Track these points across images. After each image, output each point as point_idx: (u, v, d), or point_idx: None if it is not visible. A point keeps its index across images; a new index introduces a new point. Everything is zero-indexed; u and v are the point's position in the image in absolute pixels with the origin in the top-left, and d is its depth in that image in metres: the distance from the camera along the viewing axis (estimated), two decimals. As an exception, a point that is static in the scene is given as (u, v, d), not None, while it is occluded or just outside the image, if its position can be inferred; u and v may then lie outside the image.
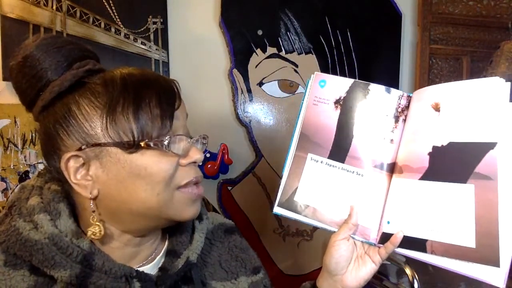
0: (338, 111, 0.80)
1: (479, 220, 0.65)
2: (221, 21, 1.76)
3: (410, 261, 1.30)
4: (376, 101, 0.79)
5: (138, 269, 0.67)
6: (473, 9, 1.93)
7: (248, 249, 0.87)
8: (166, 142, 0.64)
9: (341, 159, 0.79)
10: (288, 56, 1.83)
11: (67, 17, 1.61)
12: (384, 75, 1.92)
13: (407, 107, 0.78)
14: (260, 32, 1.79)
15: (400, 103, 0.78)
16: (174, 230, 0.76)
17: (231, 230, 0.88)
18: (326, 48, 1.86)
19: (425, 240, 0.70)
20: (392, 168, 0.77)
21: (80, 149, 0.63)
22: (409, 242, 0.72)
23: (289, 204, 0.80)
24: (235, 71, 1.79)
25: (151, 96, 0.64)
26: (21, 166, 1.58)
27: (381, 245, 0.75)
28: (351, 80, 0.80)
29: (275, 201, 0.81)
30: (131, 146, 0.63)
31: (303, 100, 0.83)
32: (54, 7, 1.59)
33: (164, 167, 0.64)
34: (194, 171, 0.69)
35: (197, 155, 0.69)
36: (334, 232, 0.77)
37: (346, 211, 0.78)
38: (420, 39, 1.90)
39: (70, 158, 0.63)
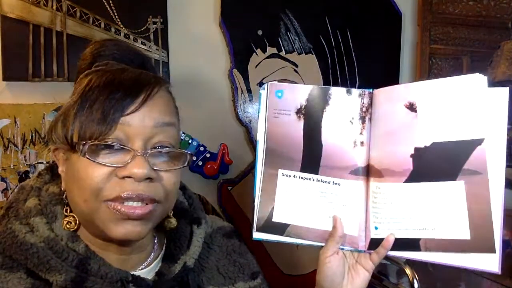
0: (302, 121, 0.76)
1: (472, 213, 0.66)
2: (221, 21, 1.75)
3: (410, 261, 1.29)
4: (339, 104, 0.76)
5: (134, 273, 0.67)
6: (473, 9, 1.92)
7: (247, 254, 0.86)
8: (85, 148, 0.60)
9: (315, 170, 0.76)
10: (288, 56, 1.82)
11: (67, 17, 1.60)
12: (384, 75, 1.92)
13: (370, 104, 0.75)
14: (260, 32, 1.79)
15: (363, 102, 0.75)
16: (171, 235, 0.76)
17: (230, 234, 0.86)
18: (326, 48, 1.86)
19: (418, 240, 0.70)
20: (367, 171, 0.75)
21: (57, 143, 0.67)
22: (401, 244, 0.71)
23: (268, 227, 0.77)
24: (235, 71, 1.78)
25: (96, 98, 0.62)
26: (21, 166, 1.57)
27: (371, 251, 0.74)
28: (309, 87, 0.77)
29: (252, 226, 0.77)
30: (69, 148, 0.64)
31: (259, 114, 0.78)
32: (54, 7, 1.59)
33: (91, 174, 0.60)
34: (130, 187, 0.61)
35: (134, 169, 0.60)
36: (321, 246, 0.75)
37: (330, 223, 0.75)
38: (420, 39, 1.89)
39: (55, 149, 0.68)
